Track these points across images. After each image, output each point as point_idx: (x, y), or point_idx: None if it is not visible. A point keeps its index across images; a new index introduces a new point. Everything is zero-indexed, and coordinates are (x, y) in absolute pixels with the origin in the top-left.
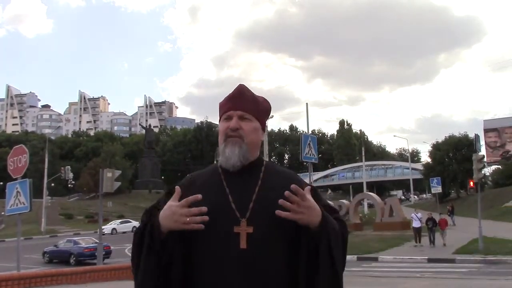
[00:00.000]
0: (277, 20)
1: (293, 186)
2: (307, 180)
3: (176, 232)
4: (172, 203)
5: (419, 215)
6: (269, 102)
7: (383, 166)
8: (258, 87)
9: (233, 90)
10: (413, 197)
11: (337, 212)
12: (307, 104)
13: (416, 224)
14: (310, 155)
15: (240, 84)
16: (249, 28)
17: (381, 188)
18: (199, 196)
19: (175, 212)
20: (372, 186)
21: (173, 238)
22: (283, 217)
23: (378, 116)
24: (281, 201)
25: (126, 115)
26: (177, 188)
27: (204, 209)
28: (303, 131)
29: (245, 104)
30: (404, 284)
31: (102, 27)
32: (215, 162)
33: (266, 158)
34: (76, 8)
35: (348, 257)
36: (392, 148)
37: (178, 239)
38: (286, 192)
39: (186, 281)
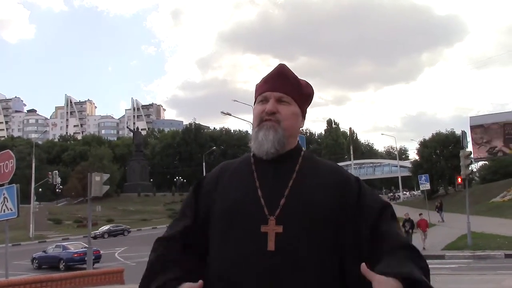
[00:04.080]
0: (260, 22)
1: (362, 268)
2: None
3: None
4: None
5: None
6: (312, 88)
7: (371, 165)
8: (243, 88)
9: (272, 70)
10: (404, 195)
11: (395, 219)
12: None
13: None
14: None
15: (280, 64)
16: (232, 30)
17: (370, 186)
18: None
19: None
20: None
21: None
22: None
23: (364, 115)
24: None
25: (114, 118)
26: (200, 283)
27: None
28: None
29: (284, 85)
30: None
31: (85, 32)
32: (247, 152)
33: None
34: (59, 13)
35: None
36: (380, 147)
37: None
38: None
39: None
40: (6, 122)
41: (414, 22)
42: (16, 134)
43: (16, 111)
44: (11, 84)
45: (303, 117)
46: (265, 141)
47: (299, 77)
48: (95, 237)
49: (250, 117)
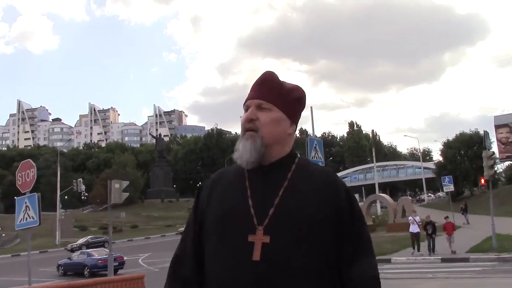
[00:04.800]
0: (279, 26)
1: None
2: None
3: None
4: None
5: (417, 218)
6: (302, 91)
7: (394, 167)
8: None
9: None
10: (429, 197)
11: (369, 251)
12: (311, 107)
13: (413, 228)
14: (316, 158)
15: (266, 71)
16: (251, 35)
17: (394, 188)
18: None
19: None
20: (384, 187)
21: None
22: None
23: (386, 117)
24: None
25: (136, 125)
26: None
27: None
28: (309, 135)
29: (264, 92)
30: (415, 285)
31: (107, 41)
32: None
33: None
34: (81, 23)
35: None
36: (403, 148)
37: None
38: None
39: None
40: (32, 131)
41: (435, 22)
42: (42, 143)
43: (42, 120)
44: (36, 94)
45: (294, 122)
46: (243, 151)
47: (288, 83)
48: (72, 250)
49: None
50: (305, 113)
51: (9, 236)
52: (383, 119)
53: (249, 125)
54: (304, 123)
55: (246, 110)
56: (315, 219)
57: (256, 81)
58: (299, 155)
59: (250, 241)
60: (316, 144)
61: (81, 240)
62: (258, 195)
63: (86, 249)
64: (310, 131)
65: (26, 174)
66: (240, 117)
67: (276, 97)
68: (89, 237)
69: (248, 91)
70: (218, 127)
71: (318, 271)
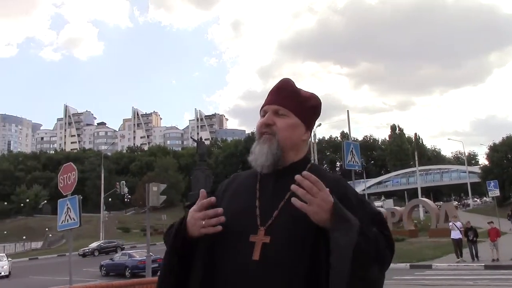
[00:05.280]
0: (319, 29)
1: (304, 172)
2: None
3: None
4: (193, 207)
5: (458, 224)
6: (318, 99)
7: (438, 171)
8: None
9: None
10: (474, 202)
11: (384, 224)
12: (348, 111)
13: (455, 234)
14: (353, 162)
15: (283, 78)
16: (291, 38)
17: (438, 193)
18: (213, 199)
19: (193, 216)
20: (428, 191)
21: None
22: (298, 206)
23: (429, 120)
24: (293, 186)
25: (178, 129)
26: (202, 191)
27: (220, 210)
28: (344, 139)
29: (282, 98)
30: None
31: (150, 46)
32: None
33: None
34: (125, 29)
35: (401, 265)
36: (447, 152)
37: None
38: (297, 176)
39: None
40: (78, 135)
41: (480, 22)
42: (87, 146)
43: (87, 124)
44: (82, 98)
45: (309, 129)
46: (259, 154)
47: (305, 90)
48: (84, 255)
49: None
50: (343, 117)
51: (55, 236)
52: (426, 122)
53: (266, 130)
54: (344, 126)
55: (263, 116)
56: (315, 225)
57: (274, 87)
58: (312, 161)
59: (252, 241)
60: (352, 148)
61: (93, 245)
62: (266, 198)
63: (99, 254)
64: (351, 135)
65: (68, 177)
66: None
67: (293, 104)
68: (101, 241)
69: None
70: None
71: (315, 272)
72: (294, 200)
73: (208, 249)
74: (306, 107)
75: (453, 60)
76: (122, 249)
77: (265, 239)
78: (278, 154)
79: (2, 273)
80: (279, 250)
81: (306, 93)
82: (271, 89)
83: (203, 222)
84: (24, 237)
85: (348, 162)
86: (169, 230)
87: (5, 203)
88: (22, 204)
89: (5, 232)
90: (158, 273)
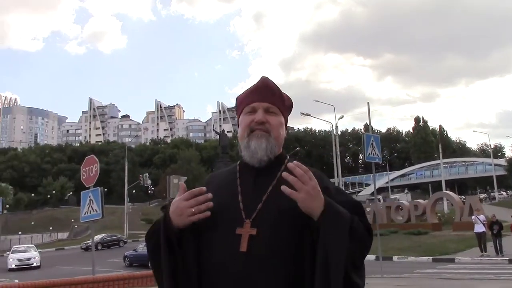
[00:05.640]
0: (342, 21)
1: (294, 162)
2: (371, 181)
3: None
4: (176, 199)
5: (481, 217)
6: (292, 100)
7: (463, 163)
8: (327, 88)
9: (256, 82)
10: (500, 195)
11: (363, 214)
12: (368, 103)
13: (478, 228)
14: (373, 155)
15: (263, 76)
16: (314, 30)
17: (463, 186)
18: (204, 188)
19: (179, 205)
20: (452, 184)
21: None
22: (288, 194)
23: (455, 112)
24: (284, 174)
25: (201, 121)
26: (181, 184)
27: (209, 195)
28: (364, 131)
29: (271, 96)
30: (474, 286)
31: (173, 39)
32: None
33: (337, 159)
34: (148, 22)
35: (423, 258)
36: (472, 144)
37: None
38: (290, 164)
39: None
40: (103, 128)
41: (507, 11)
42: (111, 138)
43: (112, 117)
44: (106, 91)
45: (286, 127)
46: (258, 149)
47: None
48: (86, 249)
49: (331, 117)
50: (370, 108)
51: (81, 227)
52: (451, 114)
53: (259, 127)
54: (367, 118)
55: (250, 112)
56: (300, 213)
57: (257, 85)
58: (288, 157)
59: (238, 234)
60: (373, 140)
61: (96, 238)
62: (248, 192)
63: (102, 247)
64: (375, 127)
65: (90, 169)
66: (333, 106)
67: (280, 102)
68: (104, 234)
69: (310, 86)
70: None
71: (301, 261)
72: (284, 187)
73: (195, 243)
74: (286, 106)
75: (479, 51)
76: (125, 242)
77: (252, 231)
78: (274, 150)
79: (35, 264)
80: (266, 242)
81: (283, 93)
82: (253, 86)
83: (193, 209)
84: (50, 228)
85: (368, 154)
86: (154, 227)
87: (32, 194)
88: (48, 196)
89: (32, 223)
90: (152, 270)
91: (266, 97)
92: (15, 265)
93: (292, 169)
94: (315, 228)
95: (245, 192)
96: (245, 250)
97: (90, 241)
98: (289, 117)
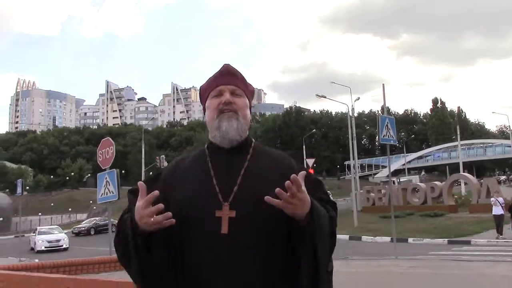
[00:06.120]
0: (360, 2)
1: (293, 176)
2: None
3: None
4: (138, 204)
5: (500, 199)
6: (253, 86)
7: (482, 145)
8: (343, 69)
9: (219, 69)
10: None
11: (333, 205)
12: (383, 85)
13: (496, 210)
14: (388, 137)
15: (225, 64)
16: (331, 11)
17: (481, 168)
18: (156, 192)
19: (140, 213)
20: (470, 166)
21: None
22: (274, 204)
23: (473, 93)
24: (277, 190)
25: None
26: (140, 184)
27: (161, 206)
28: (378, 112)
29: (235, 80)
30: (489, 268)
31: (188, 22)
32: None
33: (353, 141)
34: (164, 5)
35: (438, 240)
36: (491, 126)
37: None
38: (287, 183)
39: (174, 265)
40: (120, 110)
41: None
42: (128, 121)
43: (128, 100)
44: (123, 74)
45: (250, 111)
46: (229, 130)
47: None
48: (78, 233)
49: (348, 99)
50: (387, 90)
51: (99, 208)
52: (470, 95)
53: (227, 107)
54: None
55: (215, 96)
56: (274, 195)
57: (221, 71)
58: (254, 140)
59: (218, 216)
60: (388, 122)
61: (87, 223)
62: (221, 175)
63: (95, 232)
64: (392, 109)
65: (106, 151)
66: (349, 87)
67: (243, 85)
68: (97, 218)
69: (327, 68)
70: (297, 105)
71: (274, 241)
72: (268, 198)
73: (172, 229)
74: (250, 91)
75: (498, 30)
76: None
77: (231, 213)
78: (245, 130)
79: (64, 246)
80: (246, 223)
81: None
82: (217, 72)
83: (152, 219)
84: (69, 209)
85: (383, 136)
86: (124, 216)
87: (52, 176)
88: (67, 178)
89: (52, 204)
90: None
91: (231, 80)
92: (45, 247)
93: (288, 186)
94: (298, 227)
95: (218, 175)
96: (226, 232)
97: (81, 226)
98: (304, 99)
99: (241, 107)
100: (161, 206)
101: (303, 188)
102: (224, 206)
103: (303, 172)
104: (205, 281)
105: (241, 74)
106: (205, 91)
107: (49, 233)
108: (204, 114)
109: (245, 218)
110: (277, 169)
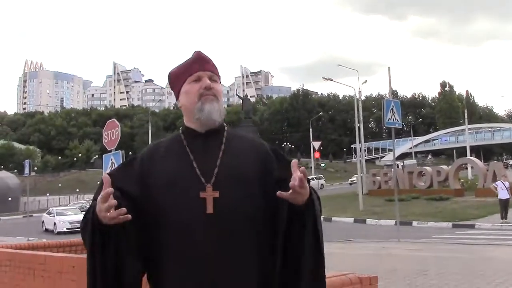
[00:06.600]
0: None
1: (302, 168)
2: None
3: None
4: (99, 196)
5: (506, 183)
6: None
7: (490, 129)
8: (350, 51)
9: (192, 56)
10: None
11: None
12: (389, 68)
13: (502, 194)
14: (393, 120)
15: (197, 50)
16: None
17: (488, 152)
18: (110, 190)
19: (99, 207)
20: (478, 150)
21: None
22: (283, 197)
23: (482, 76)
24: (279, 193)
25: (224, 86)
26: (105, 177)
27: (113, 202)
28: (386, 95)
29: (211, 66)
30: (491, 252)
31: (193, 4)
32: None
33: (360, 124)
34: None
35: (443, 224)
36: (500, 110)
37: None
38: (302, 169)
39: (155, 251)
40: (127, 92)
41: None
42: (136, 103)
43: (135, 81)
44: (130, 56)
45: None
46: (213, 111)
47: None
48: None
49: (354, 81)
50: (395, 72)
51: None
52: (479, 79)
53: (208, 92)
54: (392, 82)
55: (195, 81)
56: (253, 172)
57: (196, 56)
58: (225, 125)
59: (202, 197)
60: (393, 106)
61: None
62: (200, 158)
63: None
64: (400, 92)
65: (111, 133)
66: (356, 70)
67: (217, 71)
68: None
69: (334, 50)
70: (304, 88)
71: (264, 216)
72: (279, 193)
73: (154, 213)
74: (219, 77)
75: (508, 12)
76: None
77: (215, 194)
78: (223, 113)
79: None
80: (231, 203)
81: None
82: (190, 59)
83: (108, 214)
84: (77, 190)
85: (388, 120)
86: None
87: (59, 157)
88: (75, 159)
89: (60, 185)
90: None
91: (208, 67)
92: (66, 228)
93: (300, 179)
94: (298, 211)
95: (197, 158)
96: (212, 212)
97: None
98: (312, 82)
99: (219, 92)
100: (113, 202)
101: (306, 183)
102: (207, 187)
103: (295, 160)
104: (193, 261)
105: (212, 61)
106: (179, 77)
107: (67, 214)
108: (177, 100)
109: (228, 198)
110: (253, 150)
